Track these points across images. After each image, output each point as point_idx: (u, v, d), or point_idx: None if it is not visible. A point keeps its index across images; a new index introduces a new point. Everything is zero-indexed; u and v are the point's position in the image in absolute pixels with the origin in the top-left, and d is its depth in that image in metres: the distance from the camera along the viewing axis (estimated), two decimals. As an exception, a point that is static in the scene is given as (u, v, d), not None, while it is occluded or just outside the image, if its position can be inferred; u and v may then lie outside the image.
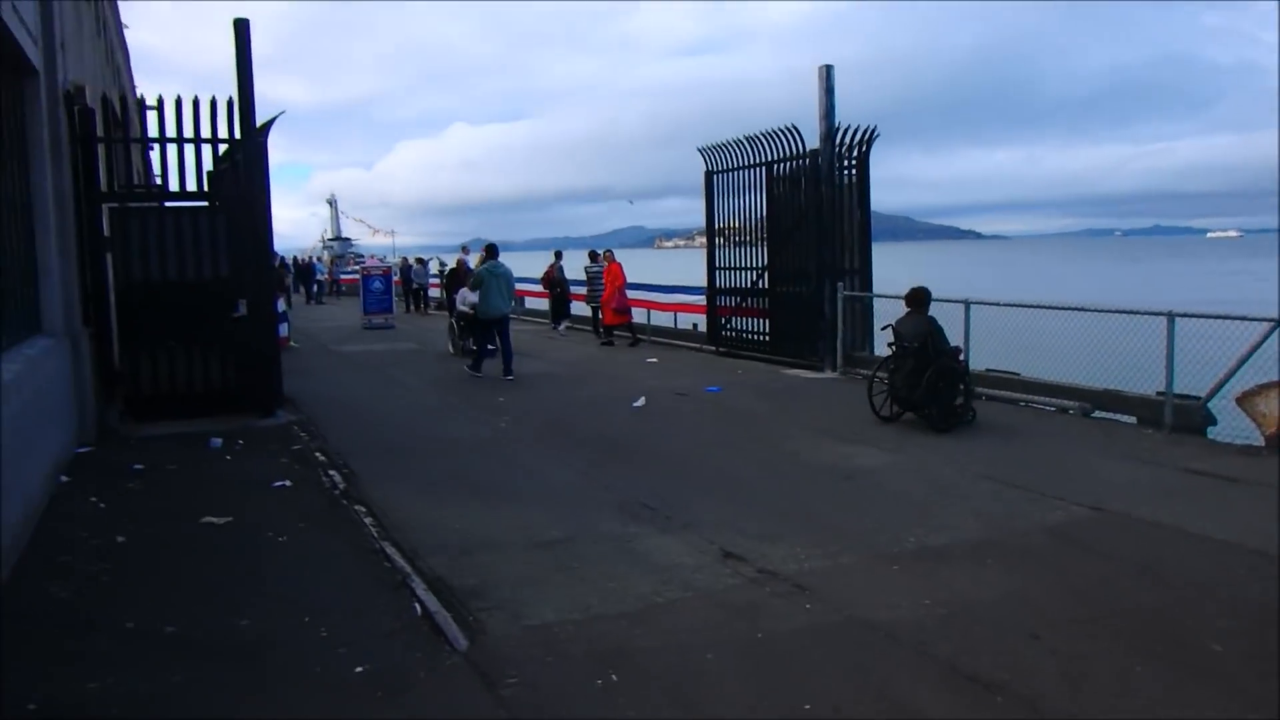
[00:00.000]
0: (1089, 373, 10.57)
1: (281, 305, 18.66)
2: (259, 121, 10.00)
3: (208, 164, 10.24)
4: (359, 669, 4.09)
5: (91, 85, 10.57)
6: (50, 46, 8.56)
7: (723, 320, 16.44)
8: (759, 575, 5.31)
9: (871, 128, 14.11)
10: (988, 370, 11.27)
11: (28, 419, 6.35)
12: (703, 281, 17.13)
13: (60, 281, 8.61)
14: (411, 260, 31.07)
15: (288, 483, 7.27)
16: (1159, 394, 9.32)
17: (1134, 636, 4.42)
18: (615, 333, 18.21)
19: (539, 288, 22.40)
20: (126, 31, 24.98)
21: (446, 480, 7.59)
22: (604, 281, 18.34)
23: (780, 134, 14.65)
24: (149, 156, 22.93)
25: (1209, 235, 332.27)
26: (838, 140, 13.95)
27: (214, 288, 9.91)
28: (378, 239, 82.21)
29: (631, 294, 19.26)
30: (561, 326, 20.93)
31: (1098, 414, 10.12)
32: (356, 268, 33.94)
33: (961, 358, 10.05)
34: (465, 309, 15.34)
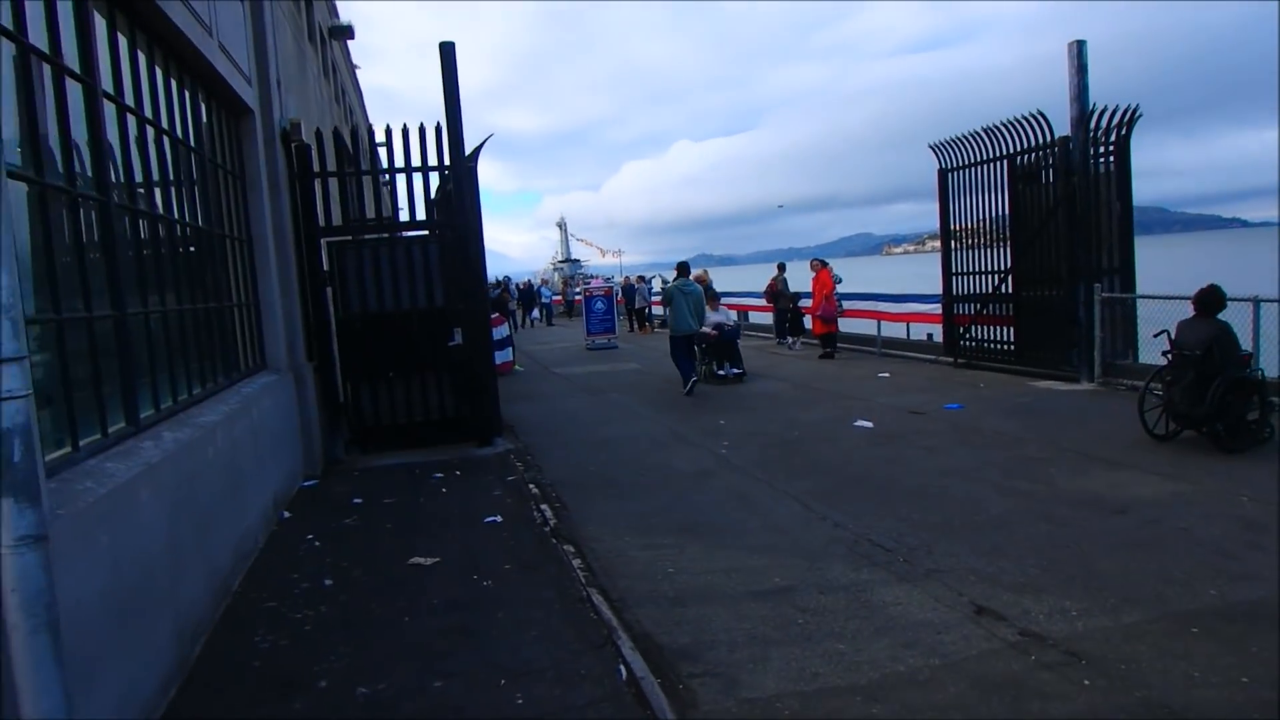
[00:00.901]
0: None
1: (505, 330, 19.38)
2: (469, 146, 10.05)
3: (430, 193, 10.52)
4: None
5: (309, 122, 11.18)
6: (265, 86, 8.99)
7: (961, 329, 15.16)
8: (1021, 639, 4.48)
9: (1133, 107, 12.49)
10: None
11: (242, 457, 6.54)
12: (937, 288, 15.91)
13: (282, 316, 8.97)
14: (633, 279, 31.52)
15: (498, 518, 7.15)
16: None
17: None
18: (796, 342, 18.25)
19: (762, 302, 21.88)
20: (359, 72, 27.21)
21: (660, 515, 7.20)
22: (812, 289, 17.91)
23: (1023, 122, 13.32)
24: (394, 189, 24.76)
25: None
26: (1092, 124, 12.43)
27: (430, 317, 10.07)
28: (606, 259, 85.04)
29: (860, 304, 18.34)
30: (794, 343, 20.00)
31: None
32: (582, 288, 34.92)
33: (1252, 366, 8.56)
34: (707, 330, 14.82)
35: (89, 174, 4.95)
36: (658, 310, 26.97)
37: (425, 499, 8.06)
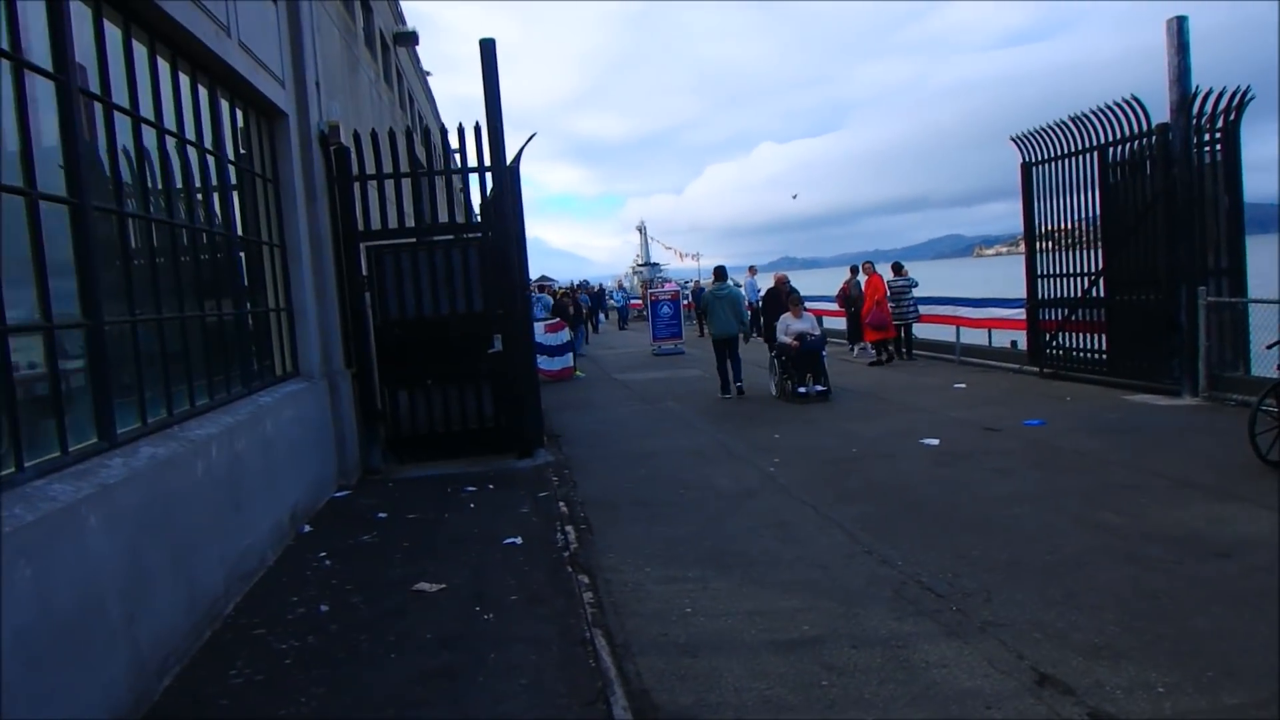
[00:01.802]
0: None
1: (566, 335, 18.91)
2: (510, 147, 9.61)
3: (476, 196, 10.11)
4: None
5: (362, 127, 10.84)
6: (301, 88, 8.65)
7: (1047, 336, 14.03)
8: (1090, 721, 3.69)
9: (1243, 89, 11.24)
10: None
11: (246, 471, 6.17)
12: (1022, 292, 14.79)
13: (316, 323, 8.62)
14: (703, 283, 30.81)
15: (518, 540, 6.61)
16: None
17: None
18: (869, 347, 17.57)
19: (835, 306, 20.90)
20: (433, 79, 27.33)
21: (689, 542, 6.54)
22: (864, 294, 17.21)
23: (1116, 109, 12.21)
24: (467, 192, 24.73)
25: None
26: (1195, 110, 11.25)
27: (469, 323, 9.66)
28: (685, 263, 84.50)
29: (937, 309, 17.31)
30: (859, 350, 18.95)
31: None
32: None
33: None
34: (787, 340, 13.27)
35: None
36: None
37: (451, 514, 7.62)
